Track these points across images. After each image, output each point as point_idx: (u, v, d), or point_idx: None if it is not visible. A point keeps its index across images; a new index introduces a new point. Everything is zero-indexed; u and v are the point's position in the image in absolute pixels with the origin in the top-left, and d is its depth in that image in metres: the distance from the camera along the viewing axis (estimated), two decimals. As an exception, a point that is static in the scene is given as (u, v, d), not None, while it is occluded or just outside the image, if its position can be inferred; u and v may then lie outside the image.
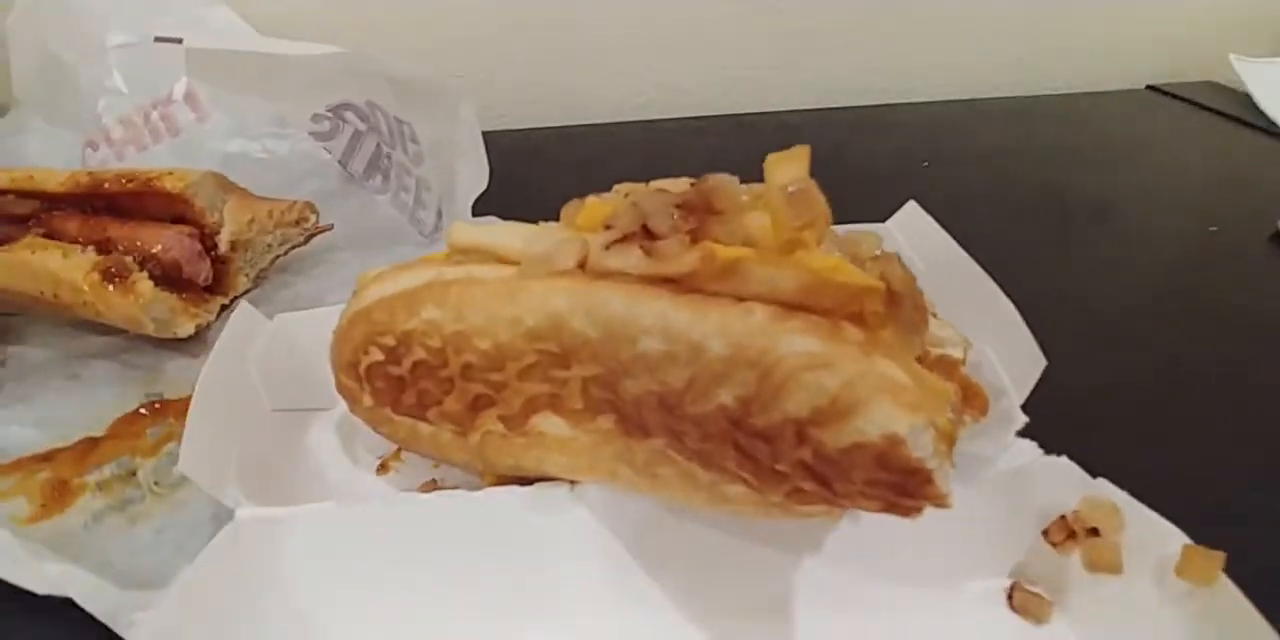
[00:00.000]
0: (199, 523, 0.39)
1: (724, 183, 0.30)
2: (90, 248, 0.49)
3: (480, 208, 0.61)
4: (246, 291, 0.57)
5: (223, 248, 0.54)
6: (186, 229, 0.52)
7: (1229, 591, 0.31)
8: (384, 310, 0.35)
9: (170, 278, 0.51)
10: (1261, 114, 0.95)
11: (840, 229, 0.35)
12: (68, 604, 0.32)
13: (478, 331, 0.32)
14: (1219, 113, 0.98)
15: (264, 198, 0.58)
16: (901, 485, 0.24)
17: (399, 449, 0.42)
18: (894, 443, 0.23)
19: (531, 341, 0.31)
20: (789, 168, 0.28)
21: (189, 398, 0.36)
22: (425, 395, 0.35)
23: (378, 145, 0.67)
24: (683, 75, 0.95)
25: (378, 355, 0.35)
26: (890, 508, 0.26)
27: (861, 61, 1.00)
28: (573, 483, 0.34)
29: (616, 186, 0.36)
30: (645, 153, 0.85)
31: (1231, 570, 0.32)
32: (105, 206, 0.54)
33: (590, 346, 0.30)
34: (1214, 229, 0.72)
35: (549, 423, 0.33)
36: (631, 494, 0.33)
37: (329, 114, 0.67)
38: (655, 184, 0.34)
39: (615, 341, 0.29)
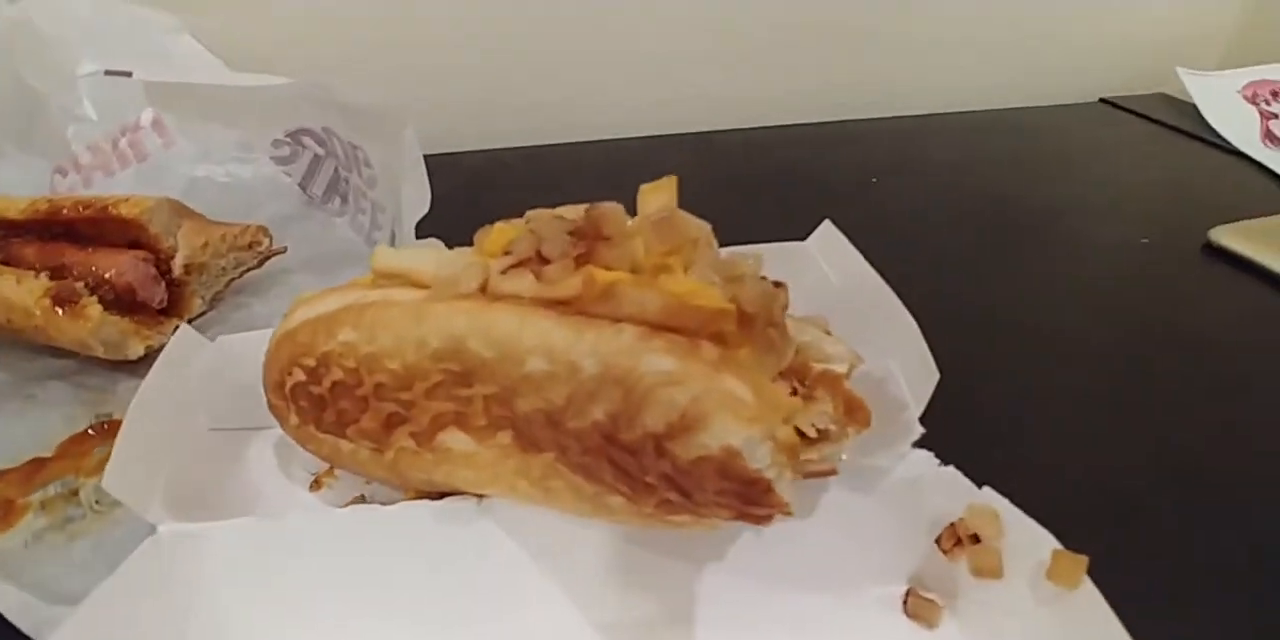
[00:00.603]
0: (135, 540, 0.40)
1: (610, 210, 0.32)
2: (45, 274, 0.51)
3: (441, 228, 0.63)
4: (202, 313, 0.59)
5: (177, 271, 0.56)
6: (141, 254, 0.55)
7: (1090, 594, 0.33)
8: (307, 332, 0.37)
9: (124, 302, 0.53)
10: (1208, 126, 0.97)
11: (765, 247, 0.37)
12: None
13: (388, 352, 0.34)
14: (1168, 125, 1.00)
15: (219, 222, 0.60)
16: (745, 494, 0.26)
17: (331, 466, 0.44)
18: (731, 454, 0.25)
19: (436, 362, 0.33)
20: (658, 197, 0.30)
21: (134, 418, 0.37)
22: (344, 414, 0.37)
23: (335, 169, 0.69)
24: (646, 93, 0.97)
25: (300, 376, 0.37)
26: (741, 516, 0.27)
27: (823, 79, 1.02)
28: (480, 496, 0.36)
29: (527, 213, 0.38)
30: (609, 171, 0.87)
31: (1123, 569, 0.33)
32: (63, 232, 0.56)
33: (487, 366, 0.32)
34: (1145, 240, 0.74)
35: (455, 439, 0.35)
36: (532, 507, 0.34)
37: (288, 139, 0.70)
38: (556, 210, 0.36)
39: (507, 361, 0.31)
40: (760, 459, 0.25)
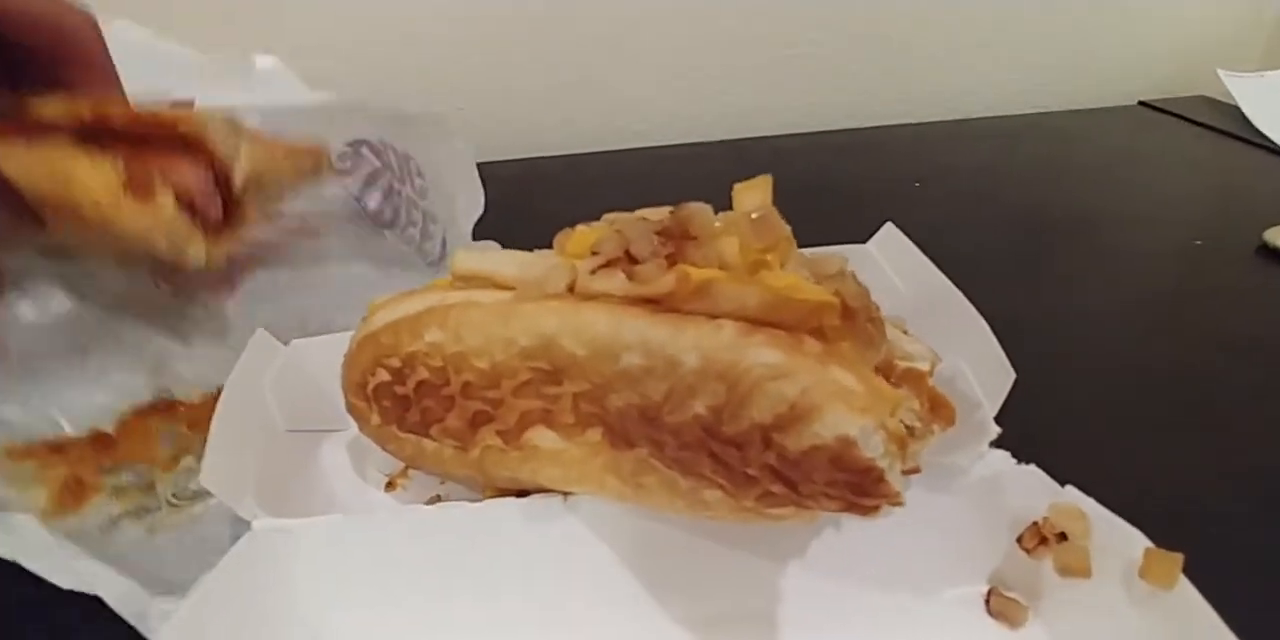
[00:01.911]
0: (216, 536, 0.41)
1: (698, 211, 0.33)
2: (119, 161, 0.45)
3: (484, 234, 0.64)
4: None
5: (236, 187, 0.49)
6: (200, 162, 0.48)
7: (1188, 593, 0.32)
8: (390, 333, 0.37)
9: (183, 207, 0.46)
10: (1251, 127, 0.97)
11: (821, 250, 0.37)
12: (62, 600, 0.34)
13: (475, 352, 0.35)
14: (1211, 127, 1.00)
15: (278, 141, 0.53)
16: (857, 484, 0.26)
17: (406, 467, 0.44)
18: (846, 444, 0.25)
19: (525, 360, 0.34)
20: (753, 195, 0.30)
21: (199, 404, 0.37)
22: (428, 413, 0.37)
23: (390, 183, 0.70)
24: (680, 103, 0.98)
25: (384, 376, 0.38)
26: (850, 507, 0.28)
27: (851, 85, 1.03)
28: (566, 494, 0.36)
29: (605, 216, 0.38)
30: (644, 178, 0.88)
31: (1199, 570, 0.33)
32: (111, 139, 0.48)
33: (578, 364, 0.32)
34: (1199, 243, 0.74)
35: (542, 437, 0.35)
36: (620, 504, 0.35)
37: (349, 148, 0.71)
38: (638, 213, 0.36)
39: (600, 358, 0.32)
40: (874, 448, 0.26)
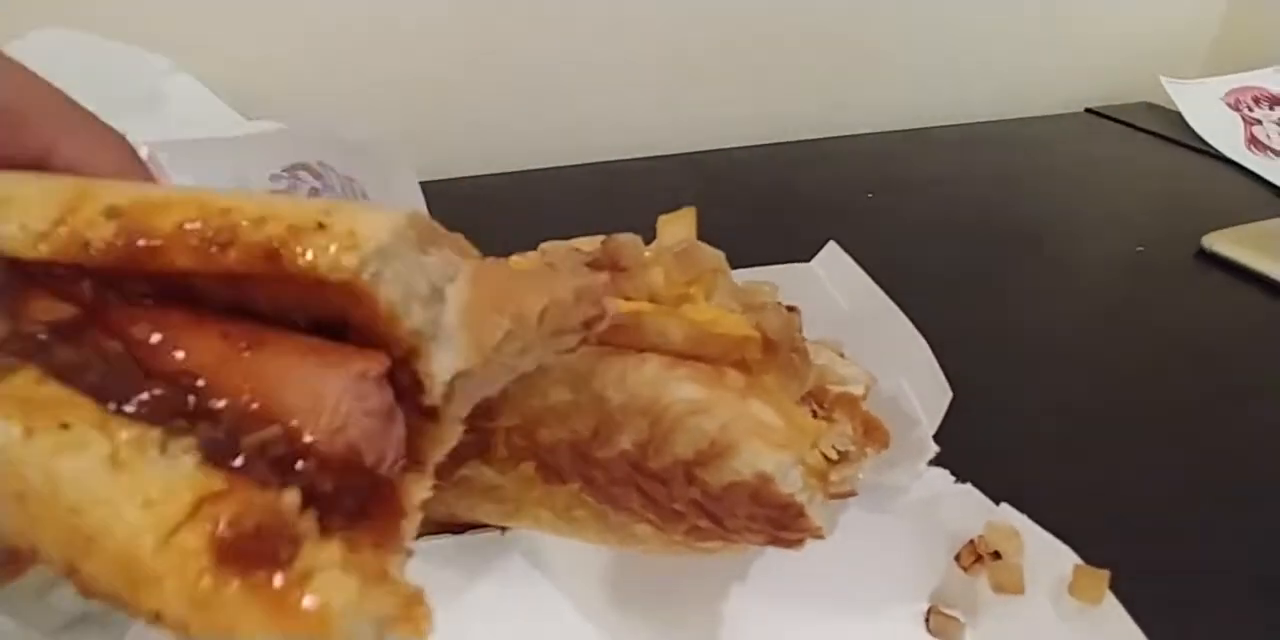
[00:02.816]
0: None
1: (627, 242, 0.33)
2: (173, 435, 0.20)
3: (433, 258, 0.63)
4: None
5: (435, 393, 0.24)
6: (366, 358, 0.23)
7: (1114, 609, 0.33)
8: (321, 368, 0.37)
9: (343, 488, 0.22)
10: (1194, 133, 0.99)
11: (763, 270, 0.38)
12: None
13: (405, 387, 0.34)
14: (1155, 134, 1.02)
15: (524, 271, 0.29)
16: (778, 519, 0.26)
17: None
18: (764, 480, 0.26)
19: (456, 395, 0.33)
20: (676, 228, 0.30)
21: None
22: (362, 448, 0.37)
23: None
24: (633, 116, 0.98)
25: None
26: (774, 541, 0.28)
27: (805, 96, 1.03)
28: (503, 529, 0.36)
29: (543, 246, 0.38)
30: (600, 194, 0.88)
31: (1131, 583, 0.34)
32: (159, 293, 0.23)
33: (509, 398, 0.32)
34: (1141, 249, 0.75)
35: (477, 471, 0.35)
36: (556, 537, 0.34)
37: (284, 173, 0.70)
38: (572, 242, 0.36)
39: (529, 392, 0.31)
40: (792, 483, 0.26)
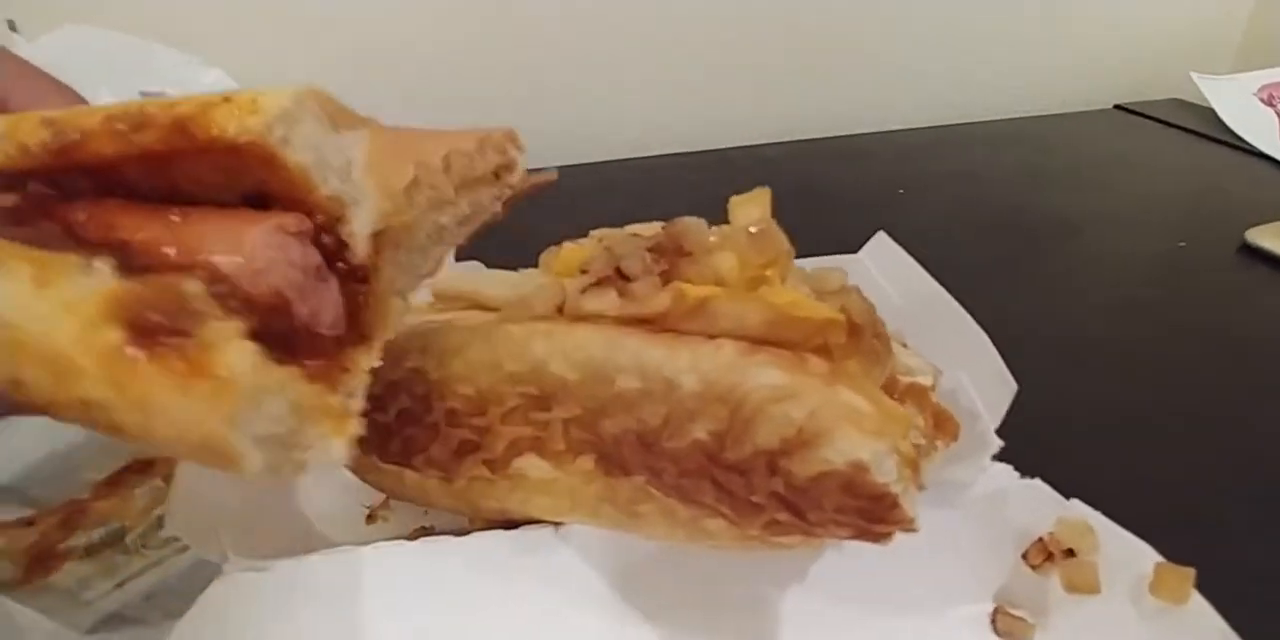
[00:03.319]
0: (188, 581, 0.39)
1: (692, 225, 0.32)
2: (93, 259, 0.22)
3: (466, 253, 0.62)
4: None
5: (359, 251, 0.25)
6: (282, 216, 0.24)
7: (1201, 608, 0.31)
8: (368, 359, 0.36)
9: (268, 330, 0.23)
10: (1227, 129, 0.98)
11: (810, 261, 0.36)
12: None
13: (460, 378, 0.33)
14: (1187, 129, 1.00)
15: (429, 132, 0.30)
16: (870, 511, 0.25)
17: (387, 498, 0.42)
18: (859, 469, 0.24)
19: (513, 385, 0.32)
20: (750, 209, 0.29)
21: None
22: (411, 442, 0.36)
23: None
24: (663, 114, 0.97)
25: (364, 404, 0.36)
26: (861, 534, 0.26)
27: (833, 93, 1.03)
28: (557, 524, 0.35)
29: (592, 232, 0.37)
30: (631, 190, 0.87)
31: (1209, 582, 0.32)
32: (109, 182, 0.25)
33: (569, 388, 0.31)
34: (1183, 244, 0.74)
35: (532, 465, 0.33)
36: (615, 533, 0.33)
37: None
38: (628, 228, 0.35)
39: (593, 382, 0.30)
40: (888, 472, 0.24)
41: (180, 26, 0.77)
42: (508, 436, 0.33)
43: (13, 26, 0.72)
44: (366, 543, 0.40)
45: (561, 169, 1.04)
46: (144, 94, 0.60)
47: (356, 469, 0.39)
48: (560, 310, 0.32)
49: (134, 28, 0.72)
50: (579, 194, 0.86)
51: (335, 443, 0.23)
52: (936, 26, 1.02)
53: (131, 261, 0.21)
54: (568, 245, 0.35)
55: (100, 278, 0.20)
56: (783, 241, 0.29)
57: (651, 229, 0.34)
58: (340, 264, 0.25)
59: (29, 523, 0.43)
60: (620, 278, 0.31)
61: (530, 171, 0.29)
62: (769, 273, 0.28)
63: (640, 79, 0.95)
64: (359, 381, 0.26)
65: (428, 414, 0.35)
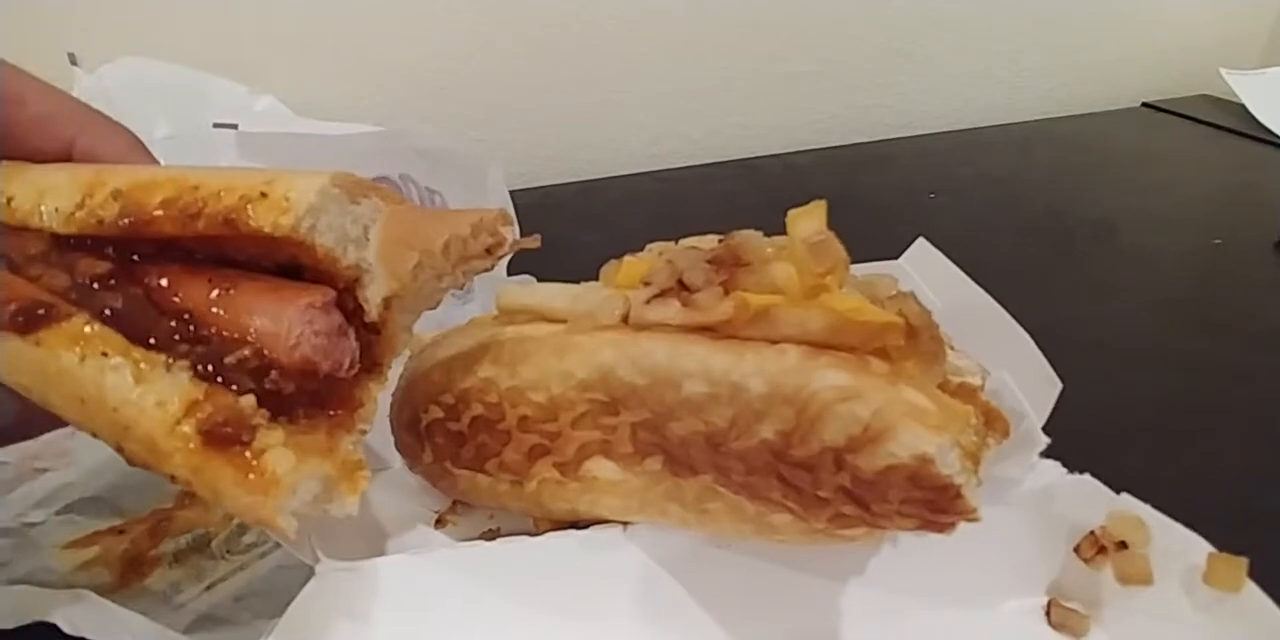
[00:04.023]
0: (273, 583, 0.42)
1: (750, 237, 0.33)
2: (175, 357, 0.29)
3: (511, 266, 0.64)
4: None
5: (373, 311, 0.32)
6: (311, 293, 0.31)
7: (1255, 596, 0.32)
8: (442, 371, 0.38)
9: (301, 392, 0.31)
10: (1257, 124, 0.98)
11: (855, 268, 0.38)
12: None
13: (532, 386, 0.35)
14: (1216, 125, 1.01)
15: (435, 213, 0.39)
16: (934, 502, 0.26)
17: (455, 503, 0.44)
18: (924, 462, 0.26)
19: (582, 392, 0.34)
20: (809, 221, 0.31)
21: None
22: (484, 448, 0.38)
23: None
24: (692, 125, 0.99)
25: (437, 413, 0.38)
26: (926, 525, 0.28)
27: (860, 99, 1.04)
28: (625, 524, 0.36)
29: (650, 246, 0.39)
30: (662, 201, 0.89)
31: (1257, 572, 0.33)
32: (156, 253, 0.32)
33: (637, 393, 0.33)
34: (1218, 241, 0.74)
35: (601, 467, 0.35)
36: (681, 531, 0.35)
37: (366, 185, 0.72)
38: (685, 242, 0.37)
39: (661, 387, 0.32)
40: (951, 465, 0.26)
41: (232, 54, 0.80)
42: (578, 440, 0.35)
43: (73, 59, 0.76)
44: (437, 544, 0.42)
45: (590, 183, 1.07)
46: (217, 125, 0.63)
47: (429, 475, 0.41)
48: (625, 320, 0.34)
49: (188, 57, 0.75)
50: (609, 207, 0.89)
51: (350, 500, 0.31)
52: (960, 30, 1.03)
53: (198, 335, 0.30)
54: (629, 258, 0.37)
55: (181, 380, 0.28)
56: (841, 250, 0.30)
57: (708, 241, 0.36)
58: (357, 320, 0.33)
59: (120, 531, 0.46)
60: (683, 289, 0.33)
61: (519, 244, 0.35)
62: (828, 280, 0.30)
63: (666, 91, 0.96)
64: (372, 410, 0.33)
65: (500, 421, 0.36)
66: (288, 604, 0.34)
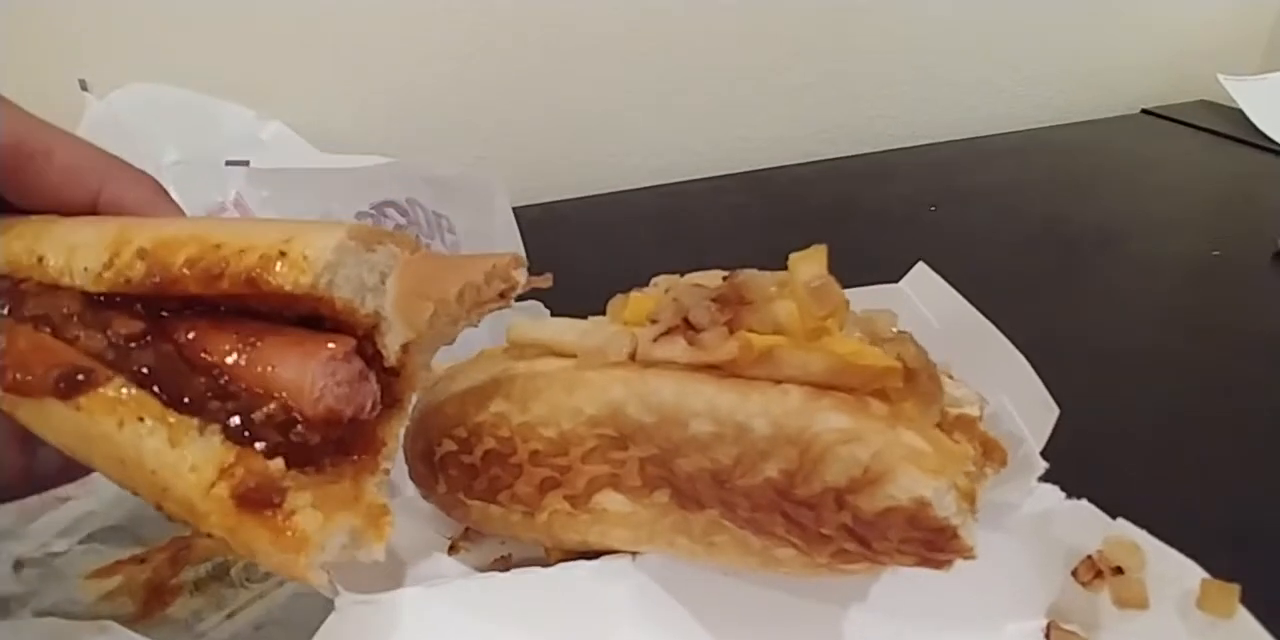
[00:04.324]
0: (292, 613, 0.43)
1: (753, 277, 0.34)
2: (207, 420, 0.30)
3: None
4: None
5: (391, 358, 0.34)
6: (332, 345, 0.32)
7: (1247, 622, 0.33)
8: (455, 404, 0.39)
9: (326, 441, 0.32)
10: (1255, 130, 0.98)
11: (855, 292, 0.39)
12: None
13: (542, 421, 0.36)
14: (1214, 132, 1.01)
15: (447, 259, 0.40)
16: (932, 542, 0.27)
17: (466, 529, 0.45)
18: (922, 505, 0.27)
19: (592, 427, 0.35)
20: (809, 266, 0.32)
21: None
22: (496, 480, 0.39)
23: (416, 238, 0.72)
24: (695, 138, 1.00)
25: (451, 446, 0.39)
26: (924, 562, 0.29)
27: (863, 110, 1.05)
28: (634, 554, 0.37)
29: (655, 280, 0.40)
30: (665, 215, 0.90)
31: (1249, 598, 0.34)
32: (181, 308, 0.33)
33: (645, 430, 0.34)
34: (1217, 253, 0.75)
35: (610, 500, 0.36)
36: (689, 561, 0.36)
37: (372, 211, 0.73)
38: (690, 277, 0.38)
39: (668, 425, 0.33)
40: (948, 507, 0.27)
41: (238, 77, 0.81)
42: (588, 474, 0.36)
43: (84, 86, 0.77)
44: (451, 573, 0.43)
45: (593, 198, 1.07)
46: (229, 163, 0.64)
47: (443, 505, 0.42)
48: (633, 357, 0.35)
49: (197, 81, 0.76)
50: (613, 222, 0.90)
51: (377, 547, 0.33)
52: (958, 39, 1.04)
53: (227, 391, 0.31)
54: (635, 294, 0.38)
55: (213, 444, 0.30)
56: (840, 294, 0.31)
57: (713, 278, 0.37)
58: (377, 364, 0.34)
59: (141, 560, 0.47)
60: (688, 327, 0.34)
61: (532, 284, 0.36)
62: (828, 323, 0.31)
63: (668, 105, 0.97)
64: (394, 449, 0.35)
65: (512, 454, 0.38)
66: (306, 632, 0.35)
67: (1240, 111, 1.01)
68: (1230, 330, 0.65)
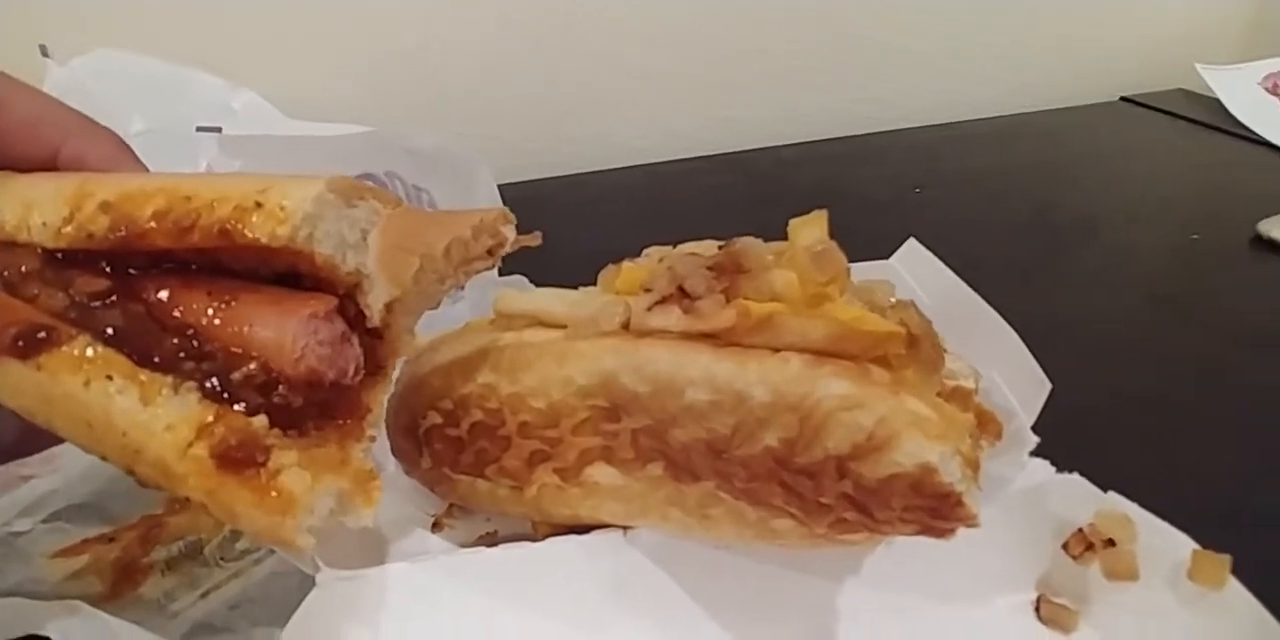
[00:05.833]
0: (269, 591, 0.41)
1: (750, 244, 0.34)
2: (182, 377, 0.28)
3: (503, 264, 0.64)
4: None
5: (374, 318, 0.32)
6: (313, 303, 0.31)
7: (1238, 593, 0.33)
8: (441, 377, 0.38)
9: (309, 404, 0.31)
10: (1232, 119, 0.99)
11: (851, 269, 0.38)
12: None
13: (532, 392, 0.35)
14: (1193, 120, 1.02)
15: (433, 215, 0.38)
16: (936, 509, 0.27)
17: (451, 506, 0.44)
18: (927, 471, 0.26)
19: (583, 398, 0.34)
20: (811, 230, 0.31)
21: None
22: (483, 454, 0.38)
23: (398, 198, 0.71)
24: (680, 119, 0.99)
25: (436, 418, 0.38)
26: (927, 530, 0.28)
27: (847, 93, 1.04)
28: (625, 529, 0.37)
29: (647, 251, 0.39)
30: (650, 195, 0.89)
31: (1239, 568, 0.34)
32: (151, 264, 0.31)
33: (639, 400, 0.33)
34: (1196, 237, 0.75)
35: (602, 473, 0.35)
36: (683, 536, 0.35)
37: (350, 183, 0.71)
38: (684, 247, 0.37)
39: (663, 395, 0.32)
40: (953, 473, 0.27)
41: (209, 45, 0.78)
42: (579, 446, 0.35)
43: (44, 51, 0.74)
44: (435, 550, 0.42)
45: (577, 177, 1.06)
46: (200, 129, 0.61)
47: (426, 480, 0.41)
48: (626, 327, 0.34)
49: (165, 49, 0.73)
50: (597, 201, 0.88)
51: (366, 512, 0.31)
52: (939, 24, 1.04)
53: (203, 351, 0.29)
54: (627, 264, 0.37)
55: (189, 401, 0.28)
56: (843, 260, 0.31)
57: (708, 247, 0.36)
58: (360, 326, 0.32)
59: (110, 538, 0.45)
60: (683, 295, 0.33)
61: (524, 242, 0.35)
62: (829, 289, 0.30)
63: (653, 84, 0.96)
64: (379, 415, 0.33)
65: (500, 426, 0.37)
66: (284, 611, 0.34)
67: (1216, 100, 1.02)
68: (1209, 311, 0.65)
